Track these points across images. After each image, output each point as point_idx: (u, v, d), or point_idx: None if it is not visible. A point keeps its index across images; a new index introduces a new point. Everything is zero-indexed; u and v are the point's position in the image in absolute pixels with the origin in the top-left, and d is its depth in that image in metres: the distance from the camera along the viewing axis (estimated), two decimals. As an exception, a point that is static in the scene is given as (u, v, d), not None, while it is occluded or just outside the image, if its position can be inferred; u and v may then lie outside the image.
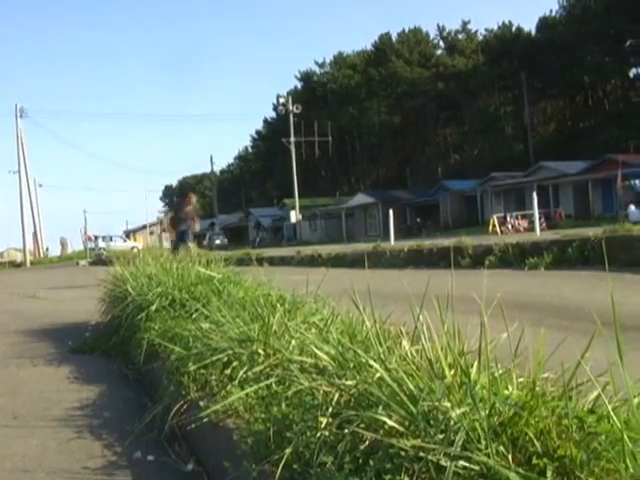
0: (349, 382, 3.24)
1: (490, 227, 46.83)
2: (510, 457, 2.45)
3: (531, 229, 35.35)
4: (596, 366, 2.88)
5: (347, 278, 4.80)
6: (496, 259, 17.61)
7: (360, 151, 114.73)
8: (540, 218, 34.18)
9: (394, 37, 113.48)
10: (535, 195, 32.27)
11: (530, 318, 8.57)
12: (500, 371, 3.18)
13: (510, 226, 47.99)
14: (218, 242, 78.73)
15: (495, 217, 49.24)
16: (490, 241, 20.41)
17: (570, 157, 69.94)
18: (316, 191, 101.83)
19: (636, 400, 2.62)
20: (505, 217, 50.58)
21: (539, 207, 33.12)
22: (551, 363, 3.11)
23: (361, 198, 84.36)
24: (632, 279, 12.77)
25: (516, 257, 17.16)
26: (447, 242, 21.38)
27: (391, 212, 35.32)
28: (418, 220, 74.23)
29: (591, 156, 64.53)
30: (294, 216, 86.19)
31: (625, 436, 2.41)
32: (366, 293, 4.28)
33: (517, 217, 50.27)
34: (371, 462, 2.68)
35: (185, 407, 4.59)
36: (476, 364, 3.10)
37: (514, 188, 64.54)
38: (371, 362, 3.26)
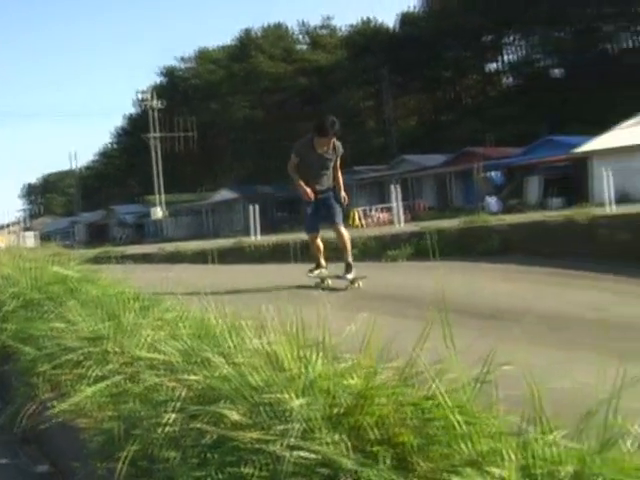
0: (194, 377, 3.26)
1: (352, 220, 47.22)
2: (349, 445, 2.50)
3: (393, 221, 35.76)
4: (448, 353, 2.96)
5: (208, 274, 4.83)
6: (358, 252, 17.75)
7: (224, 146, 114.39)
8: (402, 210, 34.61)
9: (257, 32, 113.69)
10: (395, 188, 32.76)
11: (387, 308, 8.73)
12: (350, 362, 3.24)
13: (373, 219, 48.47)
14: (68, 243, 77.13)
15: (357, 210, 49.64)
16: (352, 234, 20.61)
17: (432, 150, 71.20)
18: (181, 187, 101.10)
19: (470, 386, 2.71)
20: (367, 210, 51.03)
21: (402, 200, 33.60)
22: (403, 352, 3.18)
23: (225, 194, 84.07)
24: (488, 268, 13.10)
25: (377, 249, 17.37)
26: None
27: (253, 207, 35.25)
28: (282, 214, 74.40)
29: (452, 149, 65.81)
30: (158, 213, 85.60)
31: (460, 420, 2.49)
32: (225, 288, 4.30)
33: (379, 210, 50.79)
34: (215, 456, 2.70)
35: (37, 408, 4.53)
36: (320, 355, 3.15)
37: (377, 181, 65.30)
38: (216, 357, 3.29)
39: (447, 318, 2.96)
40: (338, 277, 12.00)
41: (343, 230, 12.33)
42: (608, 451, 2.38)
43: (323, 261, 12.46)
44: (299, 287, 11.53)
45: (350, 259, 12.00)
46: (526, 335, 7.46)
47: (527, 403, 2.63)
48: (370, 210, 50.56)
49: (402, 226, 26.91)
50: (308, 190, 11.96)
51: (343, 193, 12.34)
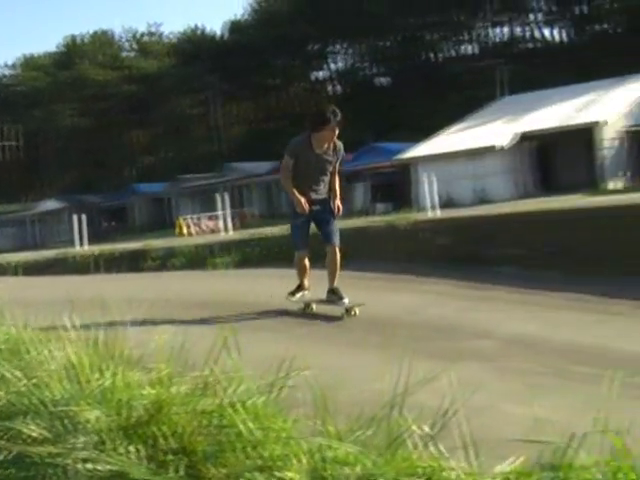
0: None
1: (178, 229, 46.88)
2: (143, 455, 2.51)
3: (220, 229, 35.73)
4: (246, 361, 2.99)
5: (27, 285, 4.74)
6: (183, 260, 17.67)
7: (50, 155, 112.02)
8: (230, 218, 34.61)
9: (83, 39, 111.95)
10: (222, 196, 32.78)
11: (211, 315, 8.76)
12: (153, 372, 3.24)
13: (200, 227, 48.18)
14: None
15: (183, 218, 49.36)
16: (177, 243, 20.55)
17: (260, 157, 71.47)
18: (6, 197, 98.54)
19: (267, 393, 2.75)
20: (194, 218, 50.75)
21: (230, 207, 33.63)
22: (209, 361, 3.19)
23: (51, 203, 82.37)
24: (312, 274, 13.23)
25: (202, 258, 17.31)
26: (135, 245, 21.31)
27: (76, 217, 34.35)
28: (109, 224, 73.64)
29: (279, 157, 66.01)
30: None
31: (252, 427, 2.53)
32: (39, 300, 4.23)
33: (206, 218, 50.55)
34: (13, 471, 2.68)
35: None
36: (120, 367, 3.15)
37: (204, 189, 64.99)
38: (16, 372, 3.24)
39: (236, 326, 3.00)
40: (330, 302, 10.01)
41: (338, 253, 10.05)
42: (395, 451, 2.45)
43: (307, 282, 10.39)
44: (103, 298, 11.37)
45: (336, 284, 9.98)
46: (342, 339, 7.63)
47: (323, 407, 2.68)
48: (198, 219, 50.33)
49: (230, 234, 26.94)
50: (303, 200, 9.91)
51: (338, 201, 10.32)
